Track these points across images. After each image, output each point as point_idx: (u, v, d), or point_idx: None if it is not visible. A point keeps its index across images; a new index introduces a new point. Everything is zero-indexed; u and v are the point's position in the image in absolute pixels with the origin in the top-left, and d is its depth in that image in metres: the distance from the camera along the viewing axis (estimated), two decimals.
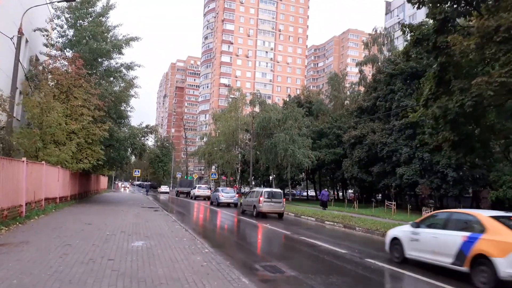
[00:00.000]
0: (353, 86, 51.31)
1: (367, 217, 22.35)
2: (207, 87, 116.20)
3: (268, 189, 22.96)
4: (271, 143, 37.18)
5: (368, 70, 49.63)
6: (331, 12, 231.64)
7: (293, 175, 38.61)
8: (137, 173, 53.95)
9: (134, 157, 31.34)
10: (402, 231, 10.27)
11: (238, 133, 53.30)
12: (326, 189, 27.35)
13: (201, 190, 39.51)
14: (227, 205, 29.72)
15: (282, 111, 40.14)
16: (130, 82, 28.49)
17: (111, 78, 28.41)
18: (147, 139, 28.94)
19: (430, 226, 9.47)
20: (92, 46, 26.75)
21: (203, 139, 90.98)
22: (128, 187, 68.64)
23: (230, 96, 47.86)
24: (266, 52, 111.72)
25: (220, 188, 33.49)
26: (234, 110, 54.11)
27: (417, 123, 30.61)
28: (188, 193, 48.12)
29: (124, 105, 29.35)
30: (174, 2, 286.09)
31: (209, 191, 39.46)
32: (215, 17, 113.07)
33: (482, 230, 7.99)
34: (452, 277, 8.19)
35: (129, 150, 27.03)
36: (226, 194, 29.75)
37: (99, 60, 28.82)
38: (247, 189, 45.62)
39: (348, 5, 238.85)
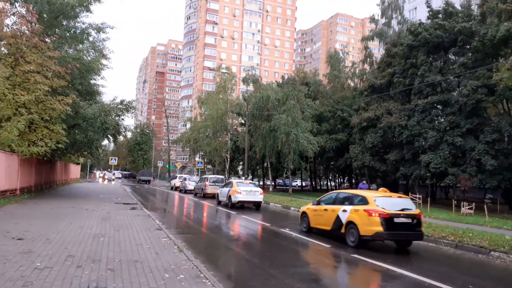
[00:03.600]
0: (355, 65, 46.52)
1: None
2: (190, 70, 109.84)
3: (213, 176, 29.37)
4: (269, 126, 32.06)
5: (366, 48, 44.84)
6: None
7: (296, 163, 33.69)
8: (113, 161, 48.16)
9: (107, 140, 25.85)
10: (220, 190, 22.49)
11: (227, 117, 48.09)
12: (364, 181, 21.91)
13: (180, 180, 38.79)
14: (195, 194, 30.47)
15: (283, 89, 35.00)
16: (101, 51, 22.96)
17: (79, 45, 22.80)
18: (122, 119, 23.46)
19: (224, 186, 22.62)
20: (53, 0, 21.13)
21: (186, 125, 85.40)
22: (113, 179, 56.12)
23: (222, 70, 42.42)
24: (253, 34, 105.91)
25: (187, 177, 37.78)
26: (222, 92, 48.67)
27: (441, 102, 26.26)
28: (147, 181, 58.09)
29: (95, 77, 23.82)
30: None
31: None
32: None
33: (232, 186, 21.01)
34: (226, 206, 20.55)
35: (99, 131, 21.53)
36: (193, 183, 32.65)
37: (63, 23, 23.19)
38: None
39: None
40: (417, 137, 26.86)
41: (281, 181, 68.51)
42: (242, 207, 20.72)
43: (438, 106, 27.08)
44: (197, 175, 76.06)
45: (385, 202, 10.31)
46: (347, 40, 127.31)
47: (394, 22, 40.54)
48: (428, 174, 25.49)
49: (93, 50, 22.02)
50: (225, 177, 37.92)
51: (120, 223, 11.37)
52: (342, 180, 61.91)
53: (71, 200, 18.35)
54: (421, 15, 37.81)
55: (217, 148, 47.32)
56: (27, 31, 18.90)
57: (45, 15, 21.62)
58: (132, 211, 15.17)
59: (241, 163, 56.86)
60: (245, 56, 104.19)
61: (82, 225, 10.50)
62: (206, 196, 26.68)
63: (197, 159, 67.94)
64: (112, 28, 22.99)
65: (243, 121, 46.09)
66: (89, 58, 21.96)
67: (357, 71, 45.01)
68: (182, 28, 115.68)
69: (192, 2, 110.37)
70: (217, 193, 22.73)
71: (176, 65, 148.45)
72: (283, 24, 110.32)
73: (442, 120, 26.16)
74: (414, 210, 10.38)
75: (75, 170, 45.17)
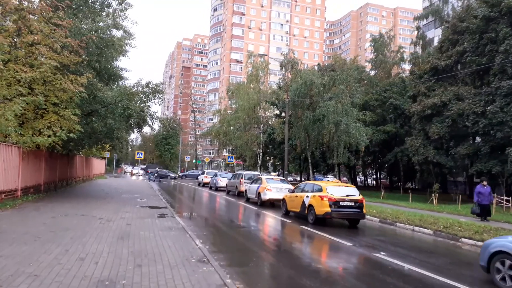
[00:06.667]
0: (402, 49, 41.65)
1: None
2: (217, 63, 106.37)
3: (248, 172, 26.46)
4: (313, 115, 27.75)
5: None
6: None
7: (344, 158, 29.09)
8: (139, 155, 44.94)
9: (130, 130, 22.15)
10: (248, 187, 21.14)
11: (259, 108, 44.14)
12: (484, 183, 16.40)
13: (208, 176, 36.38)
14: (227, 192, 27.24)
15: (330, 73, 30.62)
16: (122, 27, 19.30)
17: (97, 18, 19.07)
18: (149, 106, 19.68)
19: (252, 183, 20.81)
20: None
21: (213, 119, 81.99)
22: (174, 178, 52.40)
23: (260, 53, 38.34)
24: (281, 24, 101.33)
25: (219, 173, 34.81)
26: (254, 81, 44.80)
27: None
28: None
29: (117, 56, 20.05)
30: None
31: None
32: None
33: (261, 182, 19.39)
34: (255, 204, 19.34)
35: (121, 118, 17.88)
36: (224, 179, 29.93)
37: None
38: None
39: None
40: (497, 126, 22.18)
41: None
42: (272, 205, 19.06)
43: None
44: (225, 169, 72.59)
45: (334, 190, 13.33)
46: (378, 30, 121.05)
47: None
48: None
49: (112, 22, 18.30)
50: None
51: (143, 247, 7.55)
52: (379, 176, 57.43)
53: (85, 203, 14.76)
54: None
55: (248, 142, 43.58)
56: None
57: None
58: (160, 220, 11.40)
59: (271, 158, 52.92)
60: (273, 47, 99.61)
61: (85, 253, 6.71)
62: (240, 195, 24.00)
63: (224, 153, 64.37)
64: None
65: (278, 112, 42.05)
66: (108, 32, 18.33)
67: (405, 56, 40.12)
68: (208, 22, 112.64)
69: None
70: (245, 190, 21.80)
71: (202, 59, 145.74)
72: (312, 14, 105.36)
73: None
74: (357, 196, 13.27)
75: (99, 165, 42.23)
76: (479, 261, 7.18)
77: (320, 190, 13.44)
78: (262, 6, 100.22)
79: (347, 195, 13.12)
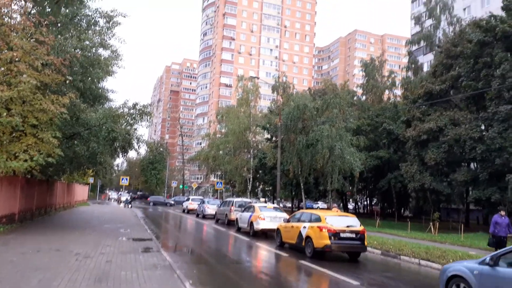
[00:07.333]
0: (393, 74, 41.62)
1: None
2: (206, 87, 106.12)
3: (239, 199, 25.37)
4: (306, 140, 26.96)
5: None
6: (335, 14, 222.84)
7: (339, 184, 28.10)
8: (124, 181, 43.34)
9: (115, 154, 20.91)
10: (239, 215, 19.89)
11: (250, 132, 43.32)
12: (502, 212, 14.90)
13: (193, 202, 36.36)
14: (216, 220, 26.07)
15: (323, 97, 30.09)
16: (110, 46, 18.45)
17: (82, 35, 18.13)
18: (135, 129, 18.59)
19: (244, 211, 19.75)
20: None
21: (201, 143, 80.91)
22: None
23: (251, 76, 37.78)
24: (271, 49, 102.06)
25: (206, 200, 34.34)
26: (245, 104, 44.09)
27: None
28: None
29: (103, 76, 19.03)
30: (169, 3, 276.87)
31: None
32: (215, 11, 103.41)
33: (254, 210, 18.26)
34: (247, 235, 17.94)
35: (105, 142, 16.77)
36: (213, 206, 29.06)
37: (66, 11, 18.68)
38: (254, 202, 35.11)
39: (354, 7, 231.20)
40: (495, 152, 21.62)
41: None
42: (265, 235, 17.86)
43: None
44: (212, 195, 70.96)
45: (334, 220, 12.44)
46: (366, 57, 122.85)
47: (442, 24, 35.71)
48: None
49: (99, 40, 17.44)
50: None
51: None
52: (371, 203, 56.70)
53: (62, 235, 13.45)
54: (475, 13, 33.05)
55: (237, 167, 42.49)
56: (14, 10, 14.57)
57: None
58: (145, 255, 10.20)
59: (262, 183, 51.85)
60: (262, 72, 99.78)
61: None
62: (230, 224, 22.72)
63: (213, 178, 62.95)
64: (124, 17, 18.44)
65: (269, 136, 41.24)
66: (94, 50, 17.47)
67: (397, 80, 40.05)
68: (198, 46, 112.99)
69: (208, 18, 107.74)
70: (236, 218, 20.44)
71: (190, 83, 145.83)
72: (301, 40, 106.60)
73: None
74: (358, 227, 12.35)
75: (81, 191, 40.50)
76: (439, 285, 7.42)
77: (319, 220, 12.44)
78: (252, 32, 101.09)
79: (347, 226, 12.21)
